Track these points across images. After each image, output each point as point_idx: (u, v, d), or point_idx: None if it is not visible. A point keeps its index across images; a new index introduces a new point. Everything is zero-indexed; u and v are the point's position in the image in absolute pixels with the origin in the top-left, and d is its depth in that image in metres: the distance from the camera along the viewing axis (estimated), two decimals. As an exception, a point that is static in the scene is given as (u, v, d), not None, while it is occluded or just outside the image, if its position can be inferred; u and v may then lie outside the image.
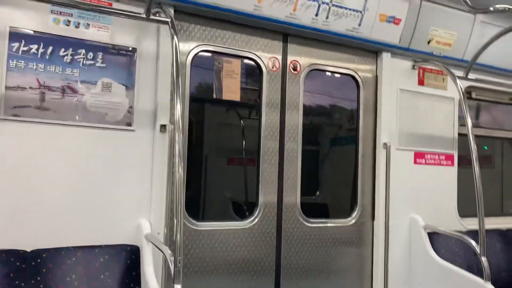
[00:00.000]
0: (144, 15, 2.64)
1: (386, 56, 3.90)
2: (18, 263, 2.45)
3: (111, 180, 2.83)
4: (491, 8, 3.10)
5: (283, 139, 3.54)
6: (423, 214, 3.96)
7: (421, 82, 4.10)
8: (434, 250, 3.80)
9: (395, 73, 3.97)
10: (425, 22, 3.85)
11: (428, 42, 3.96)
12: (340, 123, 4.21)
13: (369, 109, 3.93)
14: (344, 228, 3.77)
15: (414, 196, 4.00)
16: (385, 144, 3.85)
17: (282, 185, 3.51)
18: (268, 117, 3.49)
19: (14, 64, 2.58)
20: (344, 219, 3.80)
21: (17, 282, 2.42)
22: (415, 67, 4.06)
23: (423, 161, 4.08)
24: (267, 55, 3.49)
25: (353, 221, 3.82)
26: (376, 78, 3.95)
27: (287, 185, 3.52)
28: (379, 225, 3.81)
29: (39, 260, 2.52)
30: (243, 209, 3.68)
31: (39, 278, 2.49)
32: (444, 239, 3.96)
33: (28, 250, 2.52)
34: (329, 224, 3.71)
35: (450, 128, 4.24)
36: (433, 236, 3.90)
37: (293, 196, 3.55)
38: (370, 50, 3.91)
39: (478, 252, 3.37)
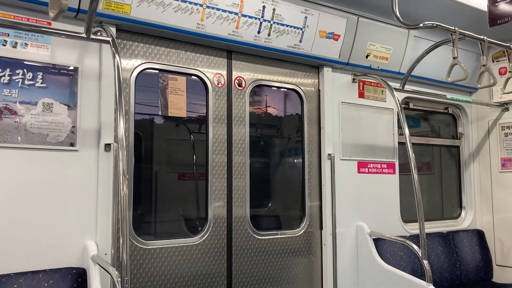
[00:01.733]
0: (84, 35, 2.62)
1: (327, 71, 4.06)
2: (-47, 294, 2.34)
3: (54, 203, 2.76)
4: (421, 25, 3.30)
5: (230, 153, 3.59)
6: (369, 221, 4.11)
7: (361, 95, 4.29)
8: (380, 255, 3.95)
9: (336, 86, 4.13)
10: (363, 38, 4.04)
11: (366, 57, 4.15)
12: (287, 136, 4.31)
13: (313, 122, 4.06)
14: (293, 238, 3.85)
15: (359, 204, 4.15)
16: (329, 155, 3.98)
17: (231, 198, 3.55)
18: (216, 132, 3.54)
19: None
20: (293, 230, 3.89)
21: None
22: (355, 80, 4.24)
23: (366, 170, 4.25)
24: (212, 72, 3.54)
25: (302, 231, 3.91)
26: (318, 91, 4.10)
27: (236, 198, 3.57)
28: (327, 234, 3.93)
29: (-23, 290, 2.42)
30: (195, 225, 3.68)
31: (-23, 309, 2.39)
32: (389, 244, 4.13)
33: (-35, 279, 2.42)
34: (278, 235, 3.78)
35: (391, 138, 4.44)
36: (378, 242, 4.05)
37: (243, 209, 3.60)
38: (312, 65, 4.05)
39: (420, 255, 3.53)
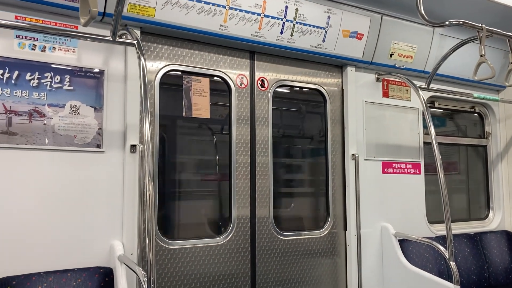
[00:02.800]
0: (110, 38, 2.67)
1: (350, 70, 4.03)
2: (-13, 292, 2.41)
3: (81, 203, 2.82)
4: (447, 22, 3.24)
5: (254, 153, 3.59)
6: (394, 222, 4.06)
7: (385, 94, 4.24)
8: (405, 256, 3.90)
9: (360, 86, 4.10)
10: (387, 36, 3.99)
11: (391, 55, 4.10)
12: (310, 136, 4.29)
13: (337, 122, 4.04)
14: (317, 239, 3.83)
15: (383, 205, 4.11)
16: (353, 155, 3.95)
17: (255, 199, 3.56)
18: (239, 133, 3.55)
19: (-21, 90, 2.57)
20: (317, 231, 3.87)
21: (-14, 311, 2.38)
22: (379, 79, 4.20)
23: (391, 170, 4.20)
24: (235, 73, 3.56)
25: (326, 232, 3.88)
26: (342, 91, 4.07)
27: (259, 198, 3.57)
28: (351, 234, 3.89)
29: (9, 288, 2.48)
30: (218, 225, 3.70)
31: (9, 307, 2.45)
32: (414, 245, 4.07)
33: (-2, 277, 2.49)
34: (302, 236, 3.76)
35: (416, 137, 4.38)
36: (404, 243, 4.00)
37: (266, 209, 3.60)
38: (335, 64, 4.03)
39: (447, 257, 3.47)
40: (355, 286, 3.87)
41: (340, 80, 4.08)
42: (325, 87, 4.00)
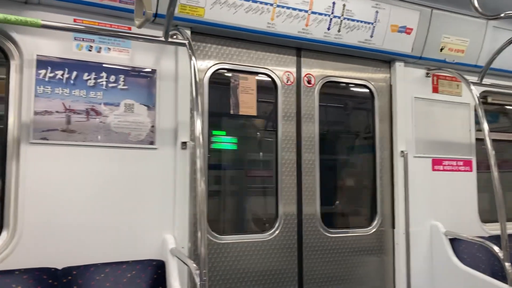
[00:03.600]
0: (162, 38, 2.75)
1: (399, 65, 3.96)
2: (50, 281, 2.55)
3: (135, 197, 2.93)
4: (503, 14, 3.13)
5: (300, 150, 3.60)
6: (444, 221, 3.96)
7: (435, 90, 4.14)
8: (457, 256, 3.79)
9: (409, 81, 4.02)
10: (437, 30, 3.89)
11: (441, 50, 4.00)
12: (357, 132, 4.25)
13: (385, 118, 3.98)
14: (364, 237, 3.80)
15: (433, 203, 4.01)
16: (402, 152, 3.88)
17: (301, 196, 3.56)
18: (285, 129, 3.56)
19: (41, 90, 2.71)
20: (365, 228, 3.83)
21: (50, 299, 2.52)
22: (429, 74, 4.10)
23: (441, 168, 4.10)
24: (281, 70, 3.57)
25: (373, 230, 3.84)
26: (390, 87, 4.00)
27: (306, 196, 3.58)
28: (400, 233, 3.83)
29: (70, 277, 2.61)
30: (264, 222, 3.74)
31: (70, 295, 2.59)
32: (466, 245, 3.95)
33: (59, 267, 2.62)
34: (349, 234, 3.74)
35: (467, 134, 4.25)
36: (454, 242, 3.89)
37: (313, 206, 3.60)
38: (383, 60, 3.97)
39: (501, 257, 3.36)
40: (403, 285, 3.80)
41: (388, 75, 4.02)
42: (372, 83, 3.95)
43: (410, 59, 3.97)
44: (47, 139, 2.71)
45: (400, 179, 3.87)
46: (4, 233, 2.62)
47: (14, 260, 2.55)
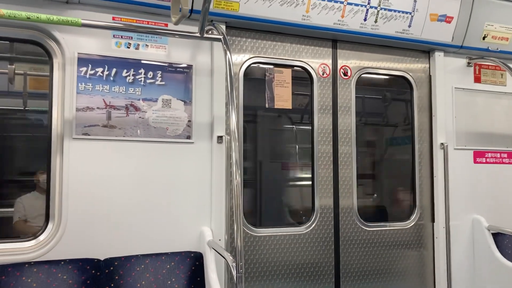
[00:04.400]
0: (198, 34, 2.78)
1: (439, 55, 3.84)
2: (93, 271, 2.65)
3: (173, 191, 2.99)
4: (550, -1, 2.99)
5: (336, 143, 3.57)
6: (486, 215, 3.85)
7: (477, 79, 4.00)
8: (500, 251, 3.68)
9: (449, 71, 3.90)
10: (479, 18, 3.75)
11: (483, 38, 3.85)
12: (395, 124, 4.17)
13: (424, 110, 3.88)
14: (403, 230, 3.74)
15: (475, 196, 3.90)
16: (442, 144, 3.78)
17: (337, 188, 3.54)
18: (321, 122, 3.54)
19: (82, 87, 2.80)
20: (403, 222, 3.77)
21: (93, 288, 2.63)
22: (470, 64, 3.97)
23: (484, 160, 3.97)
24: (317, 62, 3.55)
25: (412, 223, 3.77)
26: (429, 78, 3.90)
27: (342, 188, 3.55)
28: (439, 226, 3.75)
29: (111, 268, 2.71)
30: (299, 214, 3.75)
31: (112, 285, 2.68)
32: (510, 240, 3.83)
33: (102, 258, 2.72)
34: (387, 227, 3.69)
35: (512, 125, 4.10)
36: (498, 237, 3.78)
37: (350, 199, 3.57)
38: (422, 50, 3.86)
39: (547, 253, 3.23)
40: (443, 280, 3.72)
41: (427, 65, 3.91)
42: (411, 74, 3.86)
43: (450, 49, 3.85)
44: (89, 135, 2.80)
45: (440, 171, 3.77)
46: (50, 225, 2.74)
47: (59, 250, 2.67)
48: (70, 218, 2.73)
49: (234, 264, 2.43)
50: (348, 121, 3.63)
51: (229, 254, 2.55)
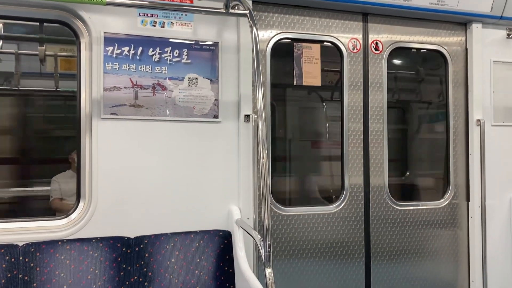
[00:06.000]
0: (223, 10, 2.72)
1: (476, 27, 3.65)
2: (124, 249, 2.70)
3: (201, 170, 2.99)
4: None
5: (367, 120, 3.48)
6: (525, 194, 3.70)
7: (518, 52, 3.80)
8: (539, 232, 3.55)
9: (487, 44, 3.71)
10: (521, -14, 3.54)
11: (525, 7, 3.63)
12: (429, 101, 4.03)
13: (459, 85, 3.72)
14: (436, 210, 3.64)
15: None
16: (478, 120, 3.63)
17: (368, 167, 3.47)
18: (351, 99, 3.45)
19: (109, 67, 2.80)
20: (436, 201, 3.66)
21: (124, 265, 2.67)
22: (511, 36, 3.75)
23: (523, 137, 3.80)
24: (347, 37, 3.43)
25: (446, 202, 3.66)
26: (466, 51, 3.72)
27: (373, 167, 3.47)
28: (475, 206, 3.62)
29: (141, 246, 2.75)
30: (329, 193, 3.69)
31: (142, 262, 2.72)
32: (549, 220, 3.68)
33: (132, 236, 2.76)
34: (420, 207, 3.60)
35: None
36: (536, 217, 3.64)
37: (380, 178, 3.49)
38: (458, 22, 3.68)
39: None
40: (478, 261, 3.62)
41: (463, 38, 3.73)
42: (446, 47, 3.69)
43: (488, 20, 3.64)
44: (117, 114, 2.81)
45: (475, 149, 3.63)
46: (81, 203, 2.79)
47: (90, 229, 2.73)
48: (101, 196, 2.77)
49: (262, 242, 2.42)
50: (380, 98, 3.52)
51: (257, 232, 2.54)
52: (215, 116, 3.01)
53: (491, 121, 3.68)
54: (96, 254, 2.63)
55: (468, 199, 3.69)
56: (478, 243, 3.61)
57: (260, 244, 2.42)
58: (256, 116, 2.96)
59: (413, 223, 3.56)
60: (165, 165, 2.92)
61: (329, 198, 3.55)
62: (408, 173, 4.15)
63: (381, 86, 3.52)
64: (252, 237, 2.60)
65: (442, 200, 3.67)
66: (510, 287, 3.69)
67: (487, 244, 3.62)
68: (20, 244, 2.56)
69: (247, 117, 3.04)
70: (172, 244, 2.81)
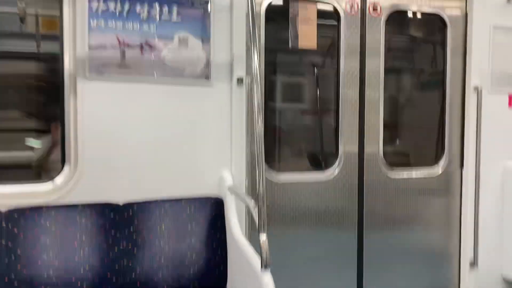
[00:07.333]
0: (216, -36, 2.57)
1: (477, -10, 3.53)
2: (112, 215, 2.61)
3: (192, 134, 2.88)
4: None
5: (363, 87, 3.37)
6: (519, 162, 3.67)
7: (520, 17, 3.69)
8: (532, 200, 3.54)
9: (488, 8, 3.59)
10: None
11: (530, -31, 3.51)
12: (426, 67, 3.92)
13: (458, 51, 3.62)
14: (430, 177, 3.59)
15: (508, 142, 3.70)
16: (476, 87, 3.55)
17: (363, 134, 3.38)
18: (347, 65, 3.33)
19: (94, 24, 2.63)
20: (431, 167, 3.61)
21: (113, 232, 2.59)
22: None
23: (520, 104, 3.74)
24: (344, -3, 3.29)
25: (440, 170, 3.62)
26: (465, 16, 3.60)
27: (368, 134, 3.39)
28: (468, 173, 3.59)
29: (131, 212, 2.66)
30: (319, 160, 3.61)
31: (132, 229, 2.64)
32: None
33: (121, 203, 2.67)
34: (413, 174, 3.55)
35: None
36: (530, 185, 3.62)
37: (375, 146, 3.42)
38: (459, -15, 3.55)
39: None
40: (470, 230, 3.60)
41: (463, 3, 3.61)
42: (446, 11, 3.57)
43: (490, -17, 3.53)
44: (103, 74, 2.66)
45: (472, 116, 3.57)
46: (66, 168, 2.67)
47: (77, 194, 2.62)
48: (87, 161, 2.65)
49: (256, 209, 2.34)
50: (376, 64, 3.40)
51: (251, 198, 2.46)
52: (207, 78, 2.87)
53: (489, 89, 3.61)
54: (84, 221, 2.54)
55: (462, 166, 3.64)
56: (471, 211, 3.59)
57: (254, 210, 2.35)
58: (250, 79, 2.84)
59: (407, 191, 3.51)
60: (155, 129, 2.79)
61: (322, 165, 3.46)
62: (404, 140, 4.05)
63: (378, 52, 3.40)
64: (246, 203, 2.53)
65: (437, 166, 3.62)
66: (500, 255, 3.70)
67: (480, 211, 3.59)
68: (3, 210, 2.44)
69: (240, 79, 2.91)
70: (162, 211, 2.73)
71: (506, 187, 3.68)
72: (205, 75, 2.87)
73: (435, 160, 3.66)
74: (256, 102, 2.36)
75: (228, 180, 2.86)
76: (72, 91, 2.64)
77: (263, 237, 2.30)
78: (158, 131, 2.80)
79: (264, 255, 2.27)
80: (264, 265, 2.28)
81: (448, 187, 3.65)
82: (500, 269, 3.71)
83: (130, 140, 2.75)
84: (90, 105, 2.65)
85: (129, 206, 2.66)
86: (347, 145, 3.36)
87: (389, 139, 3.59)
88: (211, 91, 2.89)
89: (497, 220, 3.69)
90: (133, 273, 2.62)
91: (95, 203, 2.59)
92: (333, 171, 3.33)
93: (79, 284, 2.48)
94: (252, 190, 2.94)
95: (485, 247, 3.62)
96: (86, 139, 2.64)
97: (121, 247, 2.60)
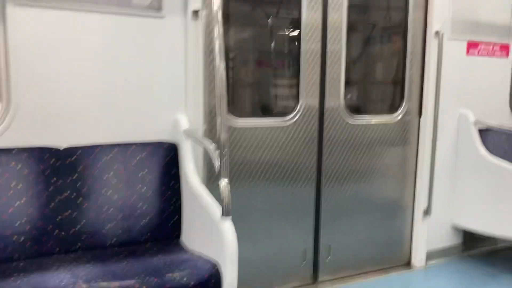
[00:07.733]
0: None
1: None
2: (52, 160, 2.32)
3: (142, 73, 2.60)
4: None
5: (325, 40, 3.19)
6: (474, 109, 3.68)
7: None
8: (485, 147, 3.58)
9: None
10: None
11: None
12: (388, 16, 3.78)
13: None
14: (389, 124, 3.52)
15: (464, 90, 3.71)
16: (437, 33, 3.47)
17: (324, 87, 3.23)
18: (310, 17, 3.12)
19: None
20: (390, 114, 3.55)
21: (53, 179, 2.30)
22: None
23: (476, 52, 3.72)
24: None
25: (399, 117, 3.56)
26: (427, -38, 3.47)
27: (329, 86, 3.24)
28: (427, 121, 3.55)
29: (73, 157, 2.38)
30: (283, 108, 3.43)
31: (75, 176, 2.37)
32: (494, 136, 3.73)
33: (62, 147, 2.37)
34: (373, 121, 3.46)
35: (508, 14, 3.80)
36: (483, 133, 3.66)
37: (337, 97, 3.28)
38: None
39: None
40: (425, 178, 3.60)
41: None
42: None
43: None
44: (35, 0, 2.29)
45: (432, 63, 3.50)
46: (-2, 105, 2.32)
47: (10, 137, 2.29)
48: (23, 99, 2.31)
49: (217, 153, 2.15)
50: (338, 16, 3.21)
51: (210, 141, 2.26)
52: (158, 9, 2.57)
53: (449, 34, 3.54)
54: (19, 167, 2.23)
55: (420, 115, 3.61)
56: (427, 158, 3.58)
57: (215, 155, 2.15)
58: (205, 12, 2.58)
59: (366, 138, 3.43)
60: (100, 65, 2.49)
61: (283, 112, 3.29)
62: (365, 89, 3.93)
63: (341, 3, 3.21)
64: (205, 146, 2.32)
65: (396, 113, 3.55)
66: (451, 204, 3.76)
67: (436, 159, 3.59)
68: None
69: (195, 13, 2.63)
70: (110, 157, 2.47)
71: (460, 135, 3.70)
72: (156, 5, 2.56)
73: (395, 107, 3.59)
74: (217, 43, 2.13)
75: (184, 123, 2.63)
76: (0, 18, 2.26)
77: (224, 182, 2.12)
78: (102, 68, 2.50)
79: (225, 201, 2.10)
80: (226, 212, 2.12)
81: (406, 136, 3.61)
82: (451, 218, 3.78)
83: (71, 78, 2.43)
84: (23, 35, 2.29)
85: (71, 150, 2.38)
86: (309, 98, 3.19)
87: (350, 90, 3.46)
88: (162, 23, 2.60)
89: (450, 170, 3.72)
90: (77, 225, 2.36)
91: (32, 147, 2.29)
92: (293, 116, 3.16)
93: (15, 238, 2.20)
94: (210, 135, 2.72)
95: (438, 196, 3.65)
96: (20, 74, 2.29)
97: (63, 197, 2.32)
